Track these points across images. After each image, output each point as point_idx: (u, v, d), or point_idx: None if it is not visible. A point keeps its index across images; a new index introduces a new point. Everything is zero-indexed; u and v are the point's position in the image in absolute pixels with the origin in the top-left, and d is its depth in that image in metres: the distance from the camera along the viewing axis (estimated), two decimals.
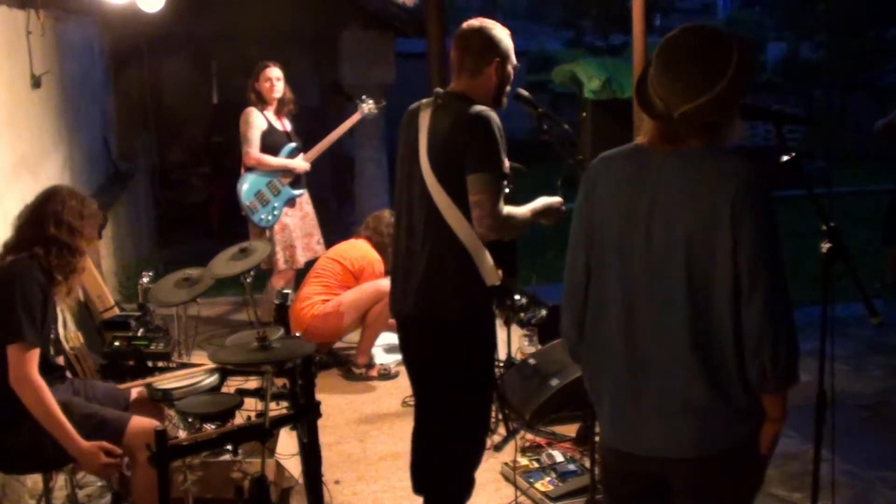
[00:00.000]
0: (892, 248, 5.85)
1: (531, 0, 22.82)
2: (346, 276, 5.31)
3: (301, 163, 5.61)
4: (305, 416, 2.98)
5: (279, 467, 3.54)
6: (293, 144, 5.62)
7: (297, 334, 4.13)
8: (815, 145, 13.67)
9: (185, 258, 6.31)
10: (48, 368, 3.04)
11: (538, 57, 18.36)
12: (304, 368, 2.97)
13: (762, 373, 1.98)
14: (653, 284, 2.05)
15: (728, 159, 2.02)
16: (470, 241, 2.82)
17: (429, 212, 2.87)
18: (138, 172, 8.69)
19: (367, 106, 5.89)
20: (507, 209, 2.85)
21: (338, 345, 5.56)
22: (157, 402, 3.18)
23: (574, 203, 2.26)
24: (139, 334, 3.80)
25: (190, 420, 2.90)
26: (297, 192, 5.62)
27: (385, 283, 5.16)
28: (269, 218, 5.50)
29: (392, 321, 4.88)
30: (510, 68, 2.96)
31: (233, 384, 3.36)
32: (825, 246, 2.39)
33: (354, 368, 5.24)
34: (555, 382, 4.28)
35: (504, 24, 3.00)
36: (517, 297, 5.17)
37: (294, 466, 3.47)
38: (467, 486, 3.11)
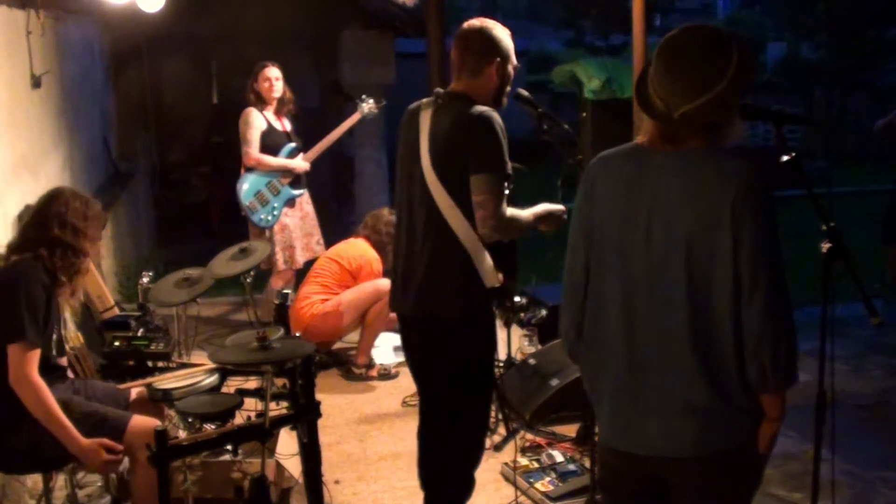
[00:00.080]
0: (892, 248, 5.85)
1: (531, 0, 22.82)
2: (344, 276, 5.31)
3: (301, 163, 5.61)
4: (305, 416, 2.98)
5: (279, 467, 3.54)
6: (293, 144, 5.62)
7: (297, 334, 4.14)
8: (815, 145, 13.67)
9: (185, 258, 6.30)
10: (50, 368, 3.05)
11: (538, 57, 18.37)
12: (304, 368, 2.97)
13: (762, 373, 1.98)
14: (653, 284, 2.05)
15: (728, 159, 2.02)
16: (470, 241, 2.82)
17: (429, 212, 2.87)
18: (138, 172, 8.69)
19: (367, 106, 5.89)
20: (510, 211, 2.85)
21: (338, 345, 5.55)
22: (157, 402, 3.18)
23: (574, 203, 2.26)
24: (139, 334, 3.80)
25: (190, 420, 2.90)
26: (296, 192, 5.62)
27: (384, 283, 5.17)
28: (269, 218, 5.50)
29: (392, 316, 4.90)
30: (510, 68, 2.96)
31: (233, 384, 3.36)
32: (825, 246, 2.39)
33: (354, 368, 5.24)
34: (555, 382, 4.28)
35: (504, 24, 2.99)
36: (517, 298, 5.17)
37: (294, 466, 3.47)
38: (467, 485, 3.11)
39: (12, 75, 4.76)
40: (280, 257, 5.54)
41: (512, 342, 4.87)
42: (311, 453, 3.07)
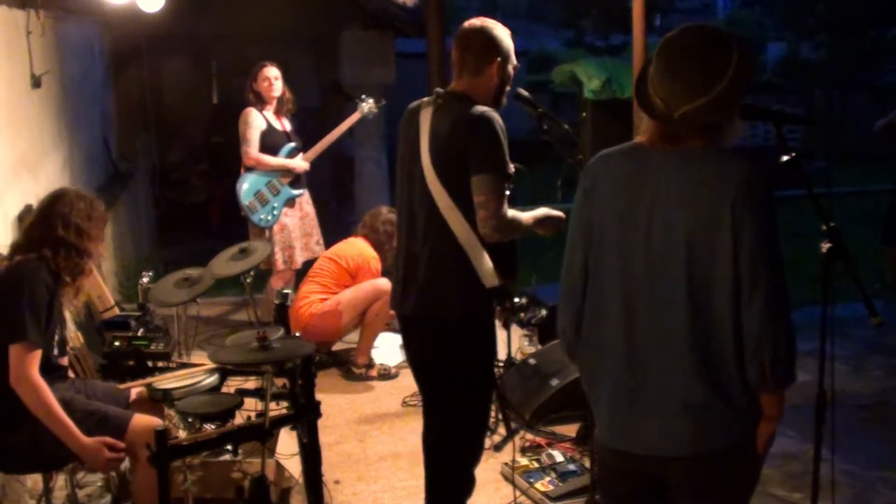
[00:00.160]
0: (892, 248, 5.85)
1: (531, 0, 22.82)
2: (342, 275, 5.31)
3: (300, 163, 5.61)
4: (305, 416, 2.98)
5: (279, 467, 3.54)
6: (292, 144, 5.62)
7: (297, 334, 4.14)
8: (815, 145, 13.68)
9: (185, 258, 6.31)
10: (51, 368, 3.05)
11: (538, 57, 18.36)
12: (304, 368, 2.97)
13: (761, 372, 1.98)
14: (653, 284, 2.05)
15: (728, 159, 2.02)
16: (468, 242, 2.82)
17: (429, 212, 2.86)
18: (138, 172, 8.69)
19: (367, 105, 5.89)
20: (511, 212, 2.85)
21: (338, 345, 5.55)
22: (157, 401, 3.18)
23: (573, 202, 2.26)
24: (139, 334, 3.80)
25: (190, 420, 2.90)
26: (296, 191, 5.62)
27: (382, 283, 5.17)
28: (269, 218, 5.50)
29: (391, 314, 4.90)
30: (511, 68, 2.96)
31: (233, 384, 3.36)
32: (825, 246, 2.39)
33: (354, 368, 5.24)
34: (555, 382, 4.29)
35: (504, 24, 2.99)
36: (517, 298, 5.17)
37: (294, 466, 3.47)
38: (467, 485, 3.11)
39: (12, 75, 4.76)
40: (279, 257, 5.54)
41: (512, 342, 4.87)
42: (311, 453, 3.07)
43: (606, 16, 17.40)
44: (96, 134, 7.39)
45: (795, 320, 2.01)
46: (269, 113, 5.57)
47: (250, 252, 4.29)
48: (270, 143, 5.53)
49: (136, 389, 3.31)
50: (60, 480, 3.52)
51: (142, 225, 8.86)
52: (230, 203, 5.98)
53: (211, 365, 3.24)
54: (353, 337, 5.39)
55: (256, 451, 3.21)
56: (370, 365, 5.23)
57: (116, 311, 4.53)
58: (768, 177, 1.98)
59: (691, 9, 21.47)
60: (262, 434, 2.80)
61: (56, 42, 5.85)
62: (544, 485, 3.68)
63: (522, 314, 5.37)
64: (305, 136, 5.81)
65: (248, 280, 4.22)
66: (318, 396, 3.03)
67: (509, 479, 3.77)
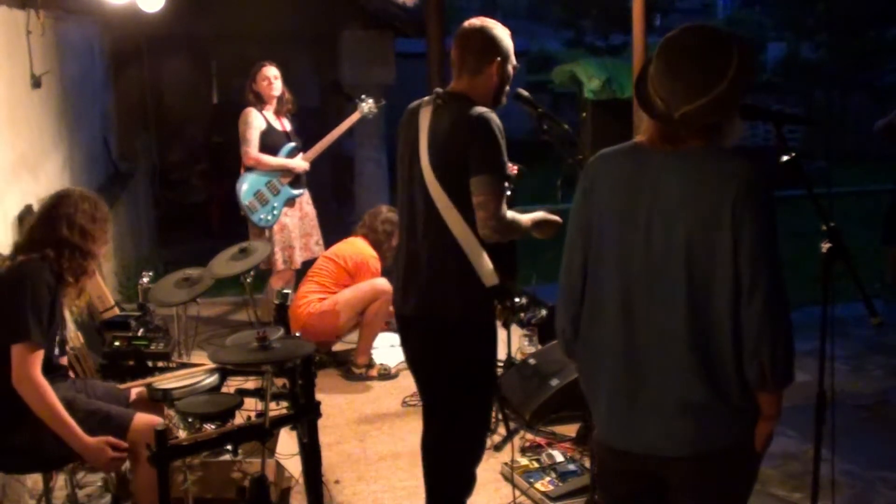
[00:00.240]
0: (892, 248, 5.86)
1: (531, 0, 22.83)
2: (340, 274, 5.31)
3: (300, 162, 5.61)
4: (305, 416, 2.98)
5: (279, 467, 3.54)
6: (292, 144, 5.62)
7: (297, 334, 4.13)
8: (815, 145, 13.68)
9: (185, 258, 6.31)
10: (51, 368, 3.04)
11: (538, 57, 18.39)
12: (304, 368, 2.97)
13: (760, 372, 1.98)
14: (652, 284, 2.05)
15: (729, 159, 2.02)
16: (467, 241, 2.82)
17: (429, 212, 2.87)
18: (138, 172, 8.69)
19: (367, 105, 5.89)
20: (510, 214, 2.85)
21: (338, 345, 5.55)
22: (157, 401, 3.18)
23: (572, 202, 2.26)
24: (139, 334, 3.80)
25: (190, 420, 2.90)
26: (296, 191, 5.62)
27: (381, 282, 5.17)
28: (269, 218, 5.50)
29: (391, 313, 4.88)
30: (510, 68, 2.96)
31: (233, 384, 3.36)
32: (825, 246, 2.39)
33: (354, 368, 5.24)
34: (555, 382, 4.29)
35: (504, 24, 2.99)
36: (517, 298, 5.17)
37: (294, 466, 3.47)
38: (468, 483, 3.11)
39: (12, 75, 4.76)
40: (279, 257, 5.54)
41: (512, 342, 4.87)
42: (311, 453, 3.07)
43: (606, 16, 17.43)
44: (96, 134, 7.39)
45: (795, 320, 2.01)
46: (269, 113, 5.57)
47: (250, 252, 4.29)
48: (270, 143, 5.53)
49: (136, 389, 3.31)
50: (60, 480, 3.52)
51: (142, 225, 8.86)
52: (230, 203, 5.98)
53: (211, 365, 3.23)
54: (354, 337, 5.39)
55: (256, 451, 3.22)
56: (370, 365, 5.23)
57: (116, 311, 4.53)
58: (768, 177, 1.98)
59: (691, 9, 21.50)
60: (262, 434, 2.80)
61: (56, 42, 5.85)
62: (544, 485, 3.68)
63: (522, 314, 5.37)
64: (305, 136, 5.81)
65: (248, 280, 4.22)
66: (318, 396, 3.03)
67: (509, 479, 3.77)
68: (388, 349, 5.48)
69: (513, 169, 3.14)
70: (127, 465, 3.15)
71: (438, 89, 2.96)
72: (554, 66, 10.32)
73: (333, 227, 7.06)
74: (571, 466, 3.80)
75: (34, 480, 3.58)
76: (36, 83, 5.11)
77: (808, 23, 17.03)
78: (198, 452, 2.92)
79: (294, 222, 5.63)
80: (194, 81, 10.73)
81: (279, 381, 3.08)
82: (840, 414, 2.84)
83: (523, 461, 3.90)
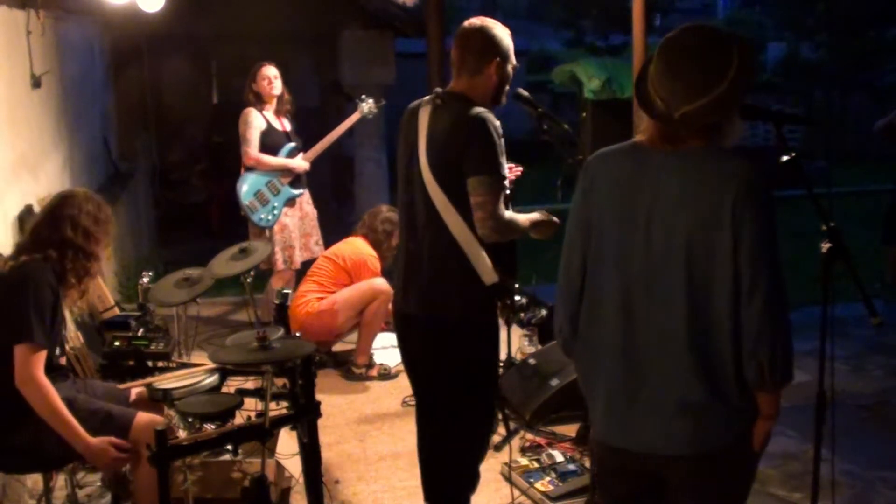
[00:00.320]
0: (892, 248, 5.86)
1: (531, 0, 22.83)
2: (339, 274, 5.31)
3: (300, 162, 5.61)
4: (305, 416, 2.98)
5: (279, 467, 3.54)
6: (292, 144, 5.62)
7: (297, 334, 4.13)
8: (815, 145, 13.68)
9: (185, 258, 6.31)
10: (52, 368, 3.04)
11: (538, 57, 18.39)
12: (304, 368, 2.97)
13: (760, 372, 1.98)
14: (651, 284, 2.05)
15: (729, 159, 2.02)
16: (465, 240, 2.82)
17: (428, 211, 2.87)
18: (138, 172, 8.69)
19: (367, 105, 5.89)
20: (508, 213, 2.85)
21: (339, 346, 5.55)
22: (157, 401, 3.18)
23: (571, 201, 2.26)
24: (139, 334, 3.80)
25: (190, 420, 2.90)
26: (296, 191, 5.62)
27: (379, 282, 5.17)
28: (269, 218, 5.50)
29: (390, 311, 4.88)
30: (510, 68, 2.96)
31: (233, 384, 3.36)
32: (825, 246, 2.39)
33: (354, 368, 5.24)
34: (555, 382, 4.29)
35: (504, 24, 2.99)
36: (517, 297, 5.17)
37: (294, 466, 3.47)
38: (471, 481, 3.11)
39: (12, 75, 4.76)
40: (280, 257, 5.54)
41: (512, 342, 4.87)
42: (311, 453, 3.07)
43: (606, 16, 17.43)
44: (96, 134, 7.39)
45: (795, 320, 2.02)
46: (269, 113, 5.57)
47: (250, 252, 4.28)
48: (270, 142, 5.53)
49: (136, 389, 3.31)
50: (60, 480, 3.52)
51: (142, 225, 8.86)
52: (230, 203, 5.98)
53: (211, 365, 3.23)
54: (354, 337, 5.39)
55: (256, 451, 3.21)
56: (370, 365, 5.23)
57: (116, 311, 4.53)
58: (768, 177, 1.98)
59: (691, 9, 21.51)
60: (262, 434, 2.80)
61: (56, 42, 5.85)
62: (544, 485, 3.68)
63: (522, 314, 5.37)
64: (305, 136, 5.81)
65: (248, 280, 4.22)
66: (318, 396, 3.03)
67: (509, 479, 3.77)
68: (387, 349, 5.48)
69: (514, 169, 3.14)
70: (127, 465, 3.15)
71: (438, 89, 2.96)
72: (554, 66, 10.31)
73: (333, 227, 7.06)
74: (571, 466, 3.80)
75: (34, 480, 3.58)
76: (36, 83, 5.11)
77: (808, 23, 17.02)
78: (198, 452, 2.92)
79: (294, 222, 5.63)
80: (194, 81, 10.73)
81: (279, 381, 3.08)
82: (840, 414, 2.84)
83: (523, 461, 3.90)
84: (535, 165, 4.13)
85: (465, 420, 3.04)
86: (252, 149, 5.46)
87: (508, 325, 4.76)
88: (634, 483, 2.21)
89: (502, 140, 2.85)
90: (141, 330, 3.87)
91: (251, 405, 3.26)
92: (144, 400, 3.25)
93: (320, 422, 3.03)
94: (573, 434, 4.17)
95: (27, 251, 3.04)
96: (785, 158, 2.40)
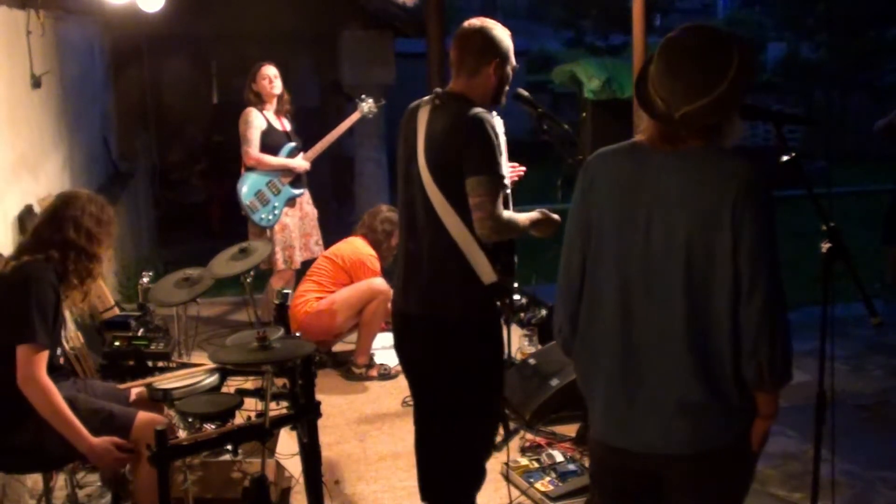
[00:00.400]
0: (892, 248, 5.86)
1: (531, 0, 22.83)
2: (338, 274, 5.31)
3: (301, 162, 5.62)
4: (305, 416, 2.98)
5: (279, 467, 3.54)
6: (293, 144, 5.63)
7: (297, 334, 4.13)
8: (815, 145, 13.68)
9: (185, 258, 6.31)
10: (52, 368, 3.04)
11: (538, 57, 18.39)
12: (304, 368, 2.97)
13: (759, 372, 1.98)
14: (651, 284, 2.06)
15: (729, 160, 2.02)
16: (464, 240, 2.82)
17: (427, 211, 2.87)
18: (138, 172, 8.69)
19: (367, 105, 5.89)
20: (507, 213, 2.85)
21: (338, 346, 5.55)
22: (157, 401, 3.18)
23: (571, 201, 2.26)
24: (139, 334, 3.80)
25: (190, 420, 2.90)
26: (297, 191, 5.62)
27: (378, 282, 5.17)
28: (270, 217, 5.50)
29: (388, 309, 4.88)
30: (509, 69, 2.95)
31: (233, 384, 3.36)
32: (825, 246, 2.39)
33: (354, 368, 5.24)
34: (555, 382, 4.29)
35: (504, 24, 2.99)
36: (517, 297, 5.17)
37: (294, 466, 3.47)
38: (476, 478, 3.07)
39: (12, 75, 4.76)
40: (280, 257, 5.54)
41: (512, 342, 4.86)
42: (311, 453, 3.07)
43: (606, 16, 17.43)
44: (96, 134, 7.39)
45: (795, 320, 2.02)
46: (270, 113, 5.57)
47: (250, 252, 4.28)
48: (271, 142, 5.53)
49: (135, 390, 3.31)
50: (60, 480, 3.52)
51: (142, 225, 8.86)
52: (230, 203, 5.98)
53: (211, 365, 3.23)
54: (354, 337, 5.39)
55: (256, 451, 3.21)
56: (370, 365, 5.23)
57: (116, 311, 4.53)
58: (768, 177, 1.98)
59: (691, 9, 21.51)
60: (262, 434, 2.80)
61: (56, 42, 5.85)
62: (544, 485, 3.68)
63: (522, 314, 5.37)
64: (305, 136, 5.81)
65: (248, 280, 4.22)
66: (318, 396, 3.03)
67: (509, 479, 3.77)
68: (387, 349, 5.48)
69: (517, 169, 3.14)
70: (127, 465, 3.15)
71: (437, 89, 2.96)
72: (554, 66, 10.32)
73: (333, 227, 7.06)
74: (571, 466, 3.80)
75: (34, 480, 3.58)
76: (36, 83, 5.11)
77: (808, 23, 17.03)
78: (198, 452, 2.92)
79: (294, 222, 5.63)
80: (194, 81, 10.74)
81: (279, 381, 3.08)
82: (840, 414, 2.85)
83: (523, 461, 3.90)
84: (535, 165, 4.12)
85: (466, 420, 3.03)
86: (253, 149, 5.46)
87: (508, 325, 4.76)
88: (634, 483, 2.20)
89: (504, 140, 2.86)
90: (141, 330, 3.87)
91: (251, 405, 3.26)
92: (144, 400, 3.25)
93: (320, 422, 3.03)
94: (573, 434, 4.17)
95: (29, 251, 3.04)
96: (785, 158, 2.41)
